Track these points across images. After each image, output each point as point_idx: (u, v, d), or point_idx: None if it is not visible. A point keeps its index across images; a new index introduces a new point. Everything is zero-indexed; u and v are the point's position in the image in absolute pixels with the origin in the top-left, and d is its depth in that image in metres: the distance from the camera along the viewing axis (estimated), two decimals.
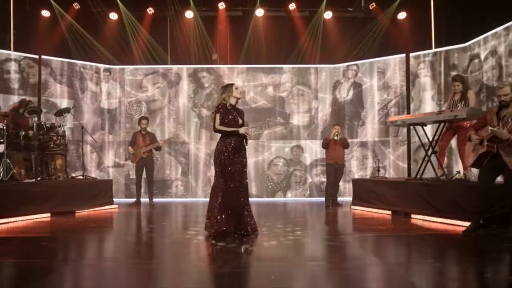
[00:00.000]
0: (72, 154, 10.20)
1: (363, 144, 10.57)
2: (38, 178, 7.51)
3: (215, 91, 10.66)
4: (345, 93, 10.82)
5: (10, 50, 9.86)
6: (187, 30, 11.12)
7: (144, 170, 9.19)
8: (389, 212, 7.48)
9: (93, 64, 10.82)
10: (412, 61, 9.80)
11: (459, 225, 5.83)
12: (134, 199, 9.38)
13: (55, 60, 10.33)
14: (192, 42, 11.07)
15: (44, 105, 9.86)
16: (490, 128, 5.15)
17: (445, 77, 9.40)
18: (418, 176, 7.30)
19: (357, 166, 10.68)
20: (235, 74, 10.93)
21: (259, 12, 10.98)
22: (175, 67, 10.98)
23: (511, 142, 5.07)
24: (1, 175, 7.02)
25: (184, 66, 10.99)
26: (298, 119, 10.90)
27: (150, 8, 10.99)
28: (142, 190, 9.38)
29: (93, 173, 10.40)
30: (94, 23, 10.91)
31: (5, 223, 6.38)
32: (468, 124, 6.59)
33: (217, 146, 5.37)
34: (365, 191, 8.24)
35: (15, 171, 7.21)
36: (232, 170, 5.23)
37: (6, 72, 9.71)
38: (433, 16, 10.23)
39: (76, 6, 10.72)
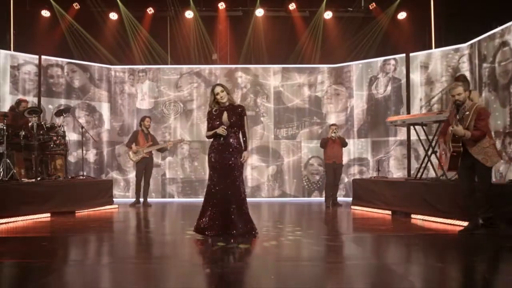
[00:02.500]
0: (109, 154, 10.49)
1: (402, 143, 9.94)
2: (38, 178, 7.50)
3: (251, 91, 10.75)
4: (382, 89, 10.33)
5: (10, 50, 9.86)
6: (187, 30, 11.12)
7: (144, 170, 9.16)
8: (389, 212, 7.48)
9: (127, 66, 10.88)
10: (452, 54, 9.31)
11: (459, 225, 5.83)
12: (165, 199, 9.31)
13: (94, 65, 10.61)
14: (192, 42, 11.07)
15: (87, 109, 10.43)
16: (449, 128, 5.21)
17: (479, 70, 8.64)
18: (418, 176, 7.31)
19: (395, 166, 10.10)
20: (271, 74, 10.89)
21: (259, 12, 10.98)
22: (211, 66, 10.93)
23: (474, 139, 5.13)
24: (1, 175, 7.02)
25: (220, 66, 10.96)
26: (333, 119, 10.66)
27: (150, 8, 10.99)
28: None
29: (131, 174, 10.47)
30: (94, 23, 10.90)
31: (5, 223, 6.38)
32: None
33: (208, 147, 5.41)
34: (365, 191, 8.24)
35: (15, 171, 7.21)
36: (217, 170, 5.19)
37: (50, 76, 10.02)
38: (433, 16, 10.23)
39: (76, 6, 10.73)
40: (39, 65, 9.81)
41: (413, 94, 9.86)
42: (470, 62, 9.02)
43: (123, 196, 10.59)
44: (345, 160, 10.38)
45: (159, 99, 10.84)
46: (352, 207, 8.48)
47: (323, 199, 9.28)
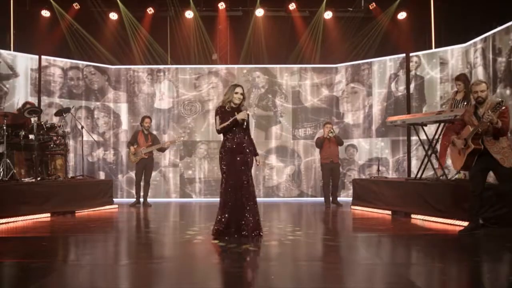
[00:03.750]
0: (127, 154, 10.30)
1: (424, 143, 9.31)
2: (38, 178, 7.50)
3: (269, 91, 10.75)
4: (403, 86, 10.03)
5: (10, 50, 9.86)
6: (187, 30, 11.12)
7: (144, 170, 9.16)
8: (389, 212, 7.48)
9: (145, 66, 10.88)
10: (468, 49, 8.99)
11: (459, 225, 5.83)
12: (170, 199, 9.28)
13: (111, 68, 10.73)
14: (192, 42, 11.07)
15: (106, 110, 10.60)
16: (474, 122, 5.15)
17: (494, 65, 8.25)
18: (418, 176, 7.31)
19: (417, 166, 9.43)
20: (288, 74, 10.87)
21: (259, 12, 10.98)
22: (229, 66, 10.93)
23: (496, 136, 5.06)
24: (1, 175, 7.02)
25: (236, 66, 10.94)
26: (351, 118, 10.53)
27: (150, 8, 10.99)
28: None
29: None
30: (94, 23, 10.90)
31: (5, 223, 6.38)
32: None
33: (220, 148, 5.41)
34: (365, 191, 8.24)
35: (15, 171, 7.21)
36: (230, 170, 5.22)
37: (70, 79, 10.26)
38: (433, 16, 10.23)
39: (76, 6, 10.71)
40: (39, 65, 9.81)
41: (433, 92, 9.64)
42: (483, 56, 8.62)
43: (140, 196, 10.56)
44: (363, 159, 10.37)
45: (177, 99, 10.83)
46: (352, 207, 8.47)
47: (323, 199, 9.28)
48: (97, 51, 10.86)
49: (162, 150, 9.52)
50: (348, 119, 10.57)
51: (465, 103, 6.82)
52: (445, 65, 9.52)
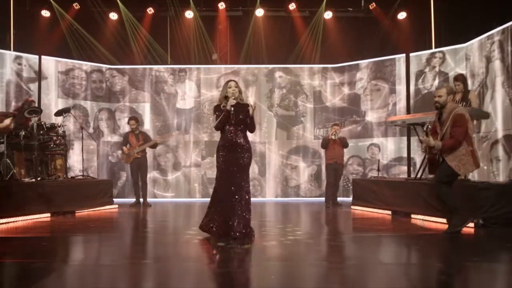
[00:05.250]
0: (149, 154, 10.25)
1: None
2: (38, 178, 7.50)
3: (291, 91, 10.74)
4: (429, 83, 9.75)
5: (10, 50, 9.87)
6: (187, 30, 11.12)
7: (139, 170, 9.16)
8: (389, 212, 7.48)
9: (167, 66, 10.92)
10: (484, 42, 8.58)
11: None
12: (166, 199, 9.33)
13: (131, 68, 10.80)
14: (192, 42, 11.07)
15: (128, 111, 10.72)
16: (420, 138, 5.20)
17: None
18: (418, 176, 7.31)
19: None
20: (311, 74, 10.86)
21: (259, 12, 10.98)
22: (250, 66, 10.93)
23: (447, 148, 5.04)
24: (1, 175, 7.01)
25: (261, 66, 10.93)
26: (372, 116, 10.36)
27: (150, 8, 10.98)
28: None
29: (169, 174, 10.61)
30: (94, 23, 10.90)
31: (5, 223, 6.38)
32: None
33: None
34: (365, 191, 8.24)
35: (15, 171, 7.21)
36: (223, 170, 5.09)
37: (93, 82, 10.60)
38: (433, 16, 10.23)
39: (76, 6, 10.71)
40: (39, 65, 9.82)
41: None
42: (501, 49, 8.15)
43: (163, 196, 10.61)
44: (386, 159, 10.17)
45: (199, 99, 10.83)
46: (352, 207, 8.47)
47: (323, 199, 9.28)
48: (97, 51, 10.87)
49: (154, 146, 9.56)
50: (370, 117, 10.37)
51: (464, 104, 6.81)
52: (469, 60, 9.15)
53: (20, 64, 9.69)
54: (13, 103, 9.40)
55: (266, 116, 10.82)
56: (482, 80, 8.59)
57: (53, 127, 8.17)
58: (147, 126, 10.67)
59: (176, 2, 10.90)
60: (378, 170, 9.01)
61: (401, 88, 10.14)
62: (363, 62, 10.64)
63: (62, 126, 8.42)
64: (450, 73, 9.40)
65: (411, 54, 10.08)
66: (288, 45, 11.18)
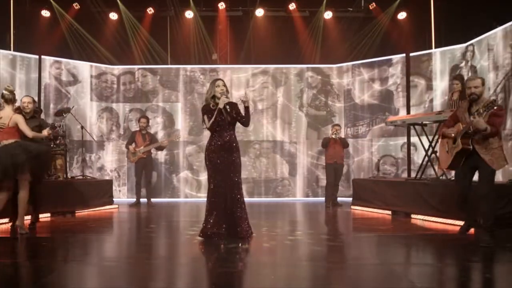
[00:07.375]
0: (181, 154, 10.40)
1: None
2: None
3: (321, 91, 10.71)
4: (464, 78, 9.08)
5: (10, 50, 9.87)
6: (187, 30, 11.12)
7: (143, 170, 9.15)
8: (389, 212, 7.48)
9: (197, 66, 10.88)
10: (510, 30, 7.86)
11: (459, 225, 5.80)
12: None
13: (163, 68, 10.83)
14: (192, 42, 11.06)
15: (156, 111, 10.70)
16: (466, 120, 4.90)
17: None
18: (418, 176, 7.31)
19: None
20: (341, 73, 10.78)
21: (259, 12, 10.98)
22: (282, 66, 10.84)
23: (486, 137, 4.79)
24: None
25: (292, 66, 10.87)
26: (405, 113, 9.81)
27: (150, 8, 10.98)
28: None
29: (201, 175, 10.42)
30: (94, 23, 10.90)
31: (5, 223, 6.37)
32: None
33: (206, 146, 5.26)
34: (365, 191, 8.24)
35: None
36: (216, 169, 5.05)
37: (123, 84, 10.73)
38: (433, 16, 10.23)
39: (76, 6, 10.70)
40: (39, 65, 9.82)
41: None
42: None
43: (194, 196, 10.50)
44: (421, 158, 9.72)
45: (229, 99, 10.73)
46: (352, 207, 8.47)
47: (323, 199, 9.27)
48: (97, 51, 10.86)
49: (160, 148, 9.53)
50: (404, 114, 9.78)
51: (461, 103, 6.80)
52: (491, 51, 8.46)
53: (58, 68, 10.13)
54: (51, 105, 9.80)
55: (295, 116, 10.72)
56: (508, 72, 7.94)
57: (53, 127, 8.15)
58: (179, 125, 10.62)
59: (176, 2, 10.89)
60: (378, 170, 9.01)
61: (438, 84, 9.53)
62: (397, 57, 10.11)
63: (62, 126, 8.42)
64: (477, 66, 8.89)
65: (451, 47, 9.45)
66: (288, 45, 11.16)
